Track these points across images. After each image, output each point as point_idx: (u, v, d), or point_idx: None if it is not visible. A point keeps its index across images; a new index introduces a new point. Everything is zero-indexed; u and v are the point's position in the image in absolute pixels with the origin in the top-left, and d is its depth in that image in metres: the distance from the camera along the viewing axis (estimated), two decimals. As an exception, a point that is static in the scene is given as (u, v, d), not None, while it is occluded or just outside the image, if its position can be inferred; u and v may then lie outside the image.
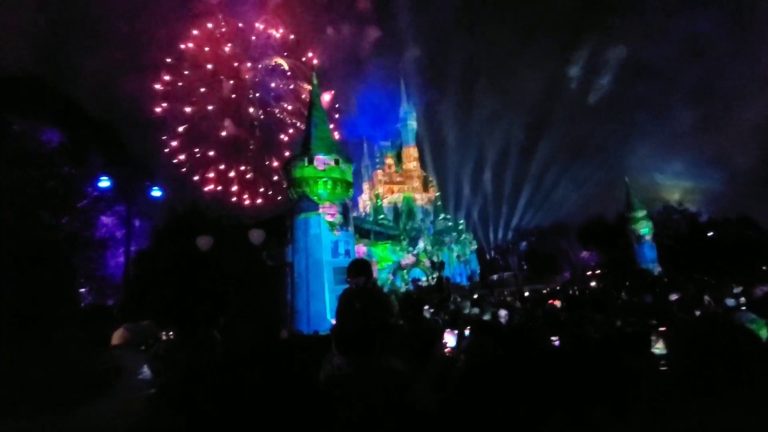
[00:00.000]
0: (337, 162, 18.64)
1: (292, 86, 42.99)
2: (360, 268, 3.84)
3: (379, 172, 52.48)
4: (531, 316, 7.85)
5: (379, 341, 2.15)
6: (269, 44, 42.31)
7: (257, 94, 41.90)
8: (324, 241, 17.87)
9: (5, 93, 16.59)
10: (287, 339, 7.84)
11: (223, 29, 40.32)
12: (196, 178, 38.46)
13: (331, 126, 22.47)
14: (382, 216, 38.41)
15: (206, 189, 38.14)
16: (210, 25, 39.73)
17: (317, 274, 17.48)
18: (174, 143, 38.41)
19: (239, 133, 40.14)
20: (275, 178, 36.56)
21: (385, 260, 32.09)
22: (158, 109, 37.86)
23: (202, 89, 39.57)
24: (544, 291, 21.85)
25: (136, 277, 17.62)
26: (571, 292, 18.21)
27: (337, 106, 44.04)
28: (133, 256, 17.41)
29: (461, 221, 45.87)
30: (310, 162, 18.29)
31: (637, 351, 2.92)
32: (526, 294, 19.93)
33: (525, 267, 44.73)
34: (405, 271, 33.39)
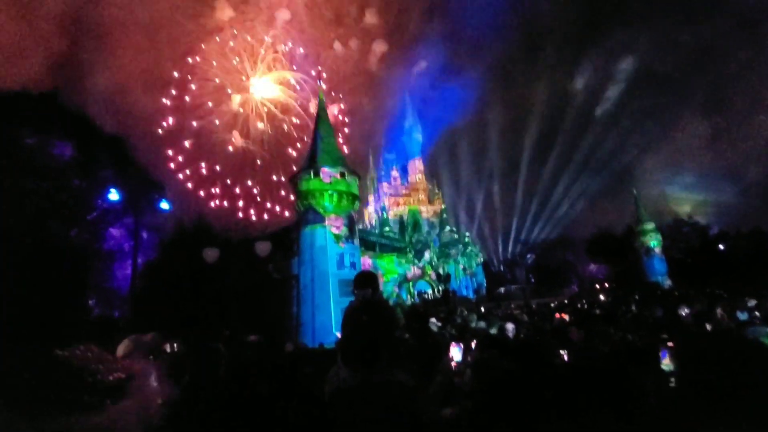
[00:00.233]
0: (342, 175, 18.77)
1: (299, 101, 43.52)
2: (367, 280, 3.83)
3: (385, 184, 52.69)
4: (539, 330, 7.74)
5: (386, 354, 2.13)
6: (278, 58, 43.00)
7: (265, 109, 42.46)
8: (330, 254, 17.88)
9: (21, 107, 17.03)
10: (292, 352, 7.79)
11: (232, 44, 41.09)
12: (201, 193, 38.79)
13: (340, 139, 22.69)
14: (387, 228, 38.42)
15: (212, 204, 38.42)
16: (218, 39, 40.52)
17: (323, 286, 17.44)
18: (180, 158, 38.91)
19: (246, 148, 40.58)
20: (282, 193, 36.72)
21: (391, 273, 31.97)
22: (165, 124, 38.47)
23: (210, 103, 40.19)
24: (552, 304, 21.55)
25: (142, 288, 17.72)
26: (579, 305, 17.94)
27: (342, 119, 44.45)
28: (141, 268, 17.53)
29: (467, 234, 45.71)
30: (316, 175, 18.44)
31: (647, 366, 2.87)
32: (534, 307, 19.68)
33: (532, 280, 44.29)
34: (411, 283, 33.20)
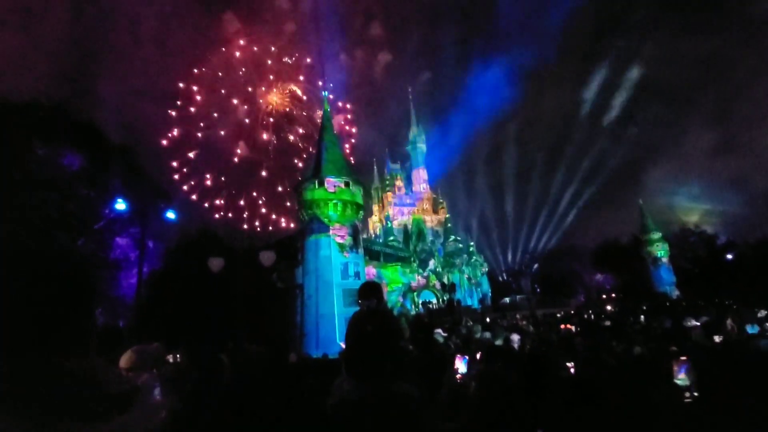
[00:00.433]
0: (347, 184, 18.84)
1: (305, 111, 43.88)
2: (371, 290, 3.80)
3: (389, 194, 52.76)
4: (545, 341, 7.65)
5: (390, 365, 2.11)
6: (283, 69, 43.51)
7: (271, 119, 42.80)
8: (334, 263, 17.86)
9: (31, 118, 17.29)
10: (296, 362, 7.74)
11: (238, 54, 41.63)
12: (206, 205, 38.96)
13: (346, 148, 22.78)
14: (392, 238, 38.35)
15: (216, 216, 38.53)
16: (224, 50, 41.09)
17: (327, 296, 17.39)
18: (185, 169, 39.19)
19: (252, 158, 40.82)
20: (288, 204, 36.80)
21: (395, 282, 31.82)
22: (171, 135, 38.84)
23: (215, 114, 40.61)
24: (558, 315, 21.31)
25: (147, 298, 17.74)
26: (585, 316, 17.72)
27: (348, 129, 44.73)
28: (146, 277, 17.58)
29: (471, 243, 45.50)
30: (321, 184, 18.52)
31: (658, 380, 2.81)
32: (539, 317, 19.45)
33: (538, 290, 43.84)
34: (415, 293, 33.00)
